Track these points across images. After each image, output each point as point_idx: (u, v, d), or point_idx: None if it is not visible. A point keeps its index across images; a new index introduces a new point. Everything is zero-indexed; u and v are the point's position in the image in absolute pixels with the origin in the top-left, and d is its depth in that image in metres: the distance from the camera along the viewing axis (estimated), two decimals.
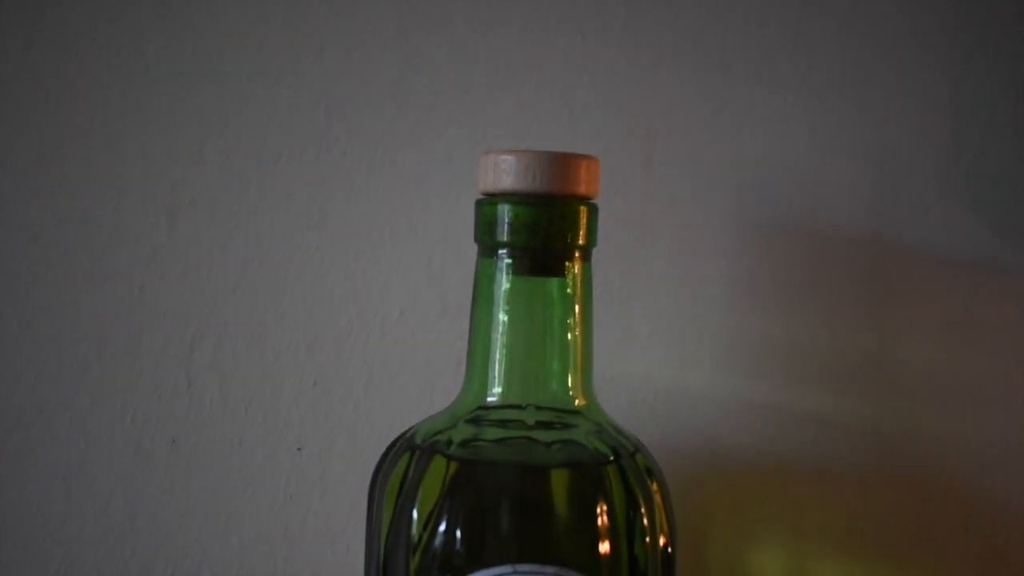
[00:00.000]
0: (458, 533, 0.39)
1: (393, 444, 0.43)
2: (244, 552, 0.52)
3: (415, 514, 0.40)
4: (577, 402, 0.43)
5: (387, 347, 0.52)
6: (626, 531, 0.40)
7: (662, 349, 0.51)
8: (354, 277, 0.52)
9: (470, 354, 0.43)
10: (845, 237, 0.51)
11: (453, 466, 0.40)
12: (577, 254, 0.42)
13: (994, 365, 0.51)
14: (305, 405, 0.52)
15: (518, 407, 0.42)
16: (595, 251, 0.43)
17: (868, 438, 0.51)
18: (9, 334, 0.52)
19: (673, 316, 0.51)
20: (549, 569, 0.38)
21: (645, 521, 0.41)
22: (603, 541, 0.39)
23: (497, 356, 0.42)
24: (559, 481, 0.40)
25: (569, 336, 0.42)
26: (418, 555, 0.40)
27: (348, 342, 0.52)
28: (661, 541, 0.42)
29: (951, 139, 0.51)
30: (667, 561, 0.42)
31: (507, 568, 0.38)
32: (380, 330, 0.52)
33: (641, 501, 0.41)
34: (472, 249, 0.43)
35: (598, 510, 0.40)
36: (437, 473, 0.40)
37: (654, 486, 0.42)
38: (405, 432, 0.43)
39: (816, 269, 0.51)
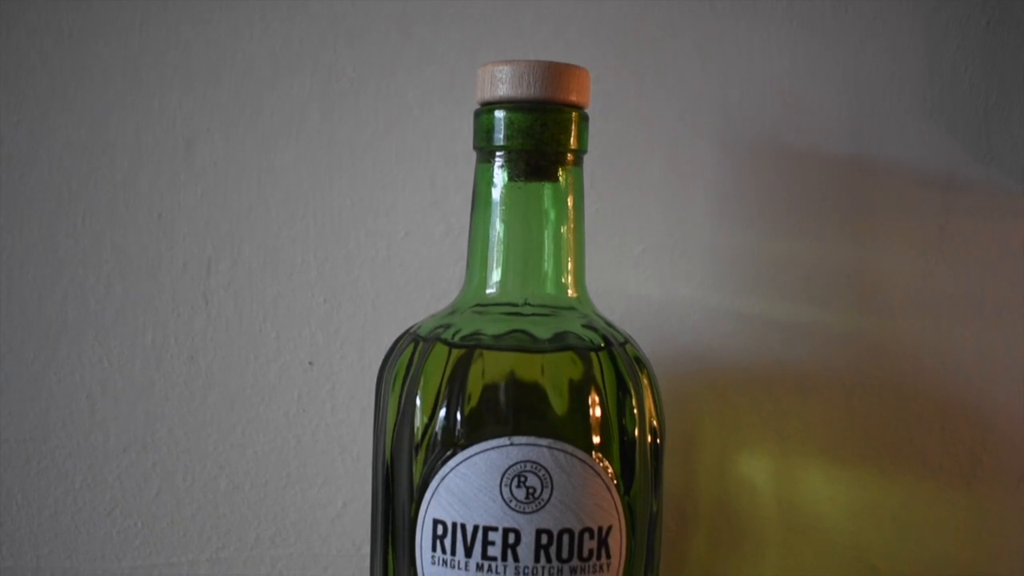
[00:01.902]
0: (459, 413, 0.42)
1: (399, 339, 0.46)
2: (259, 461, 0.55)
3: (419, 400, 0.43)
4: (570, 298, 0.45)
5: (393, 266, 0.54)
6: (616, 410, 0.43)
7: (653, 265, 0.54)
8: (362, 200, 0.54)
9: (469, 255, 0.46)
10: (825, 157, 0.53)
11: (454, 353, 0.43)
12: (569, 157, 0.44)
13: (968, 278, 0.53)
14: (316, 322, 0.55)
15: (514, 304, 0.45)
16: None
17: (849, 347, 0.53)
18: (36, 258, 0.54)
19: (663, 234, 0.54)
20: (544, 441, 0.41)
21: (634, 403, 0.43)
22: (594, 418, 0.42)
23: (494, 256, 0.45)
24: (553, 363, 0.43)
25: (562, 236, 0.45)
26: (422, 436, 0.42)
27: (356, 262, 0.55)
28: (650, 423, 0.44)
29: (925, 64, 0.54)
30: (656, 445, 0.45)
31: (505, 440, 0.41)
32: (387, 250, 0.54)
33: (630, 385, 0.43)
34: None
35: (590, 389, 0.42)
36: (439, 360, 0.43)
37: (644, 376, 0.45)
38: (410, 328, 0.46)
39: (798, 188, 0.53)
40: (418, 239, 0.54)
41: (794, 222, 0.53)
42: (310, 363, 0.55)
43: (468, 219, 0.46)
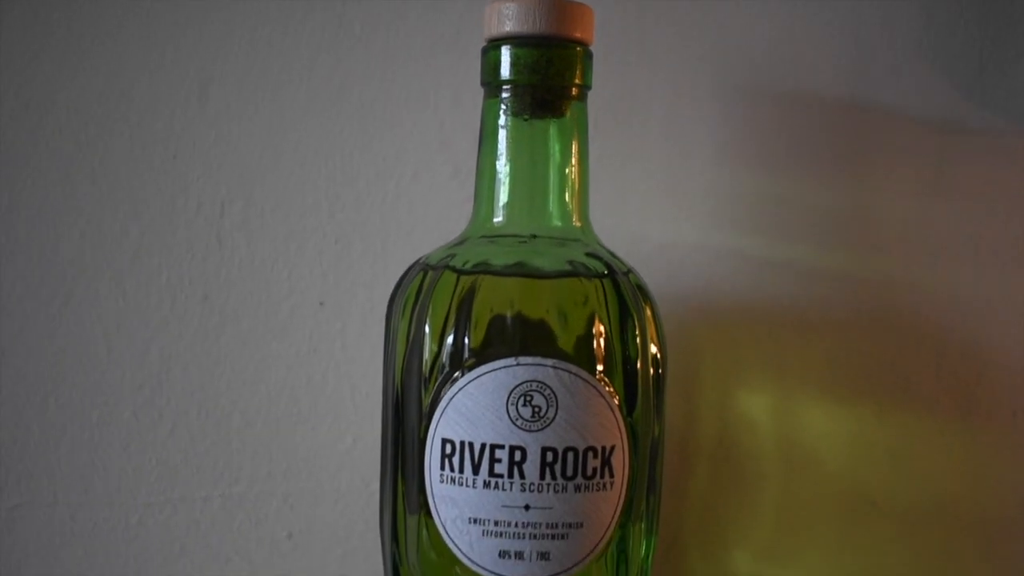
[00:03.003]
0: (466, 337, 0.43)
1: (408, 269, 0.47)
2: (271, 399, 0.56)
3: (428, 326, 0.44)
4: (575, 229, 0.47)
5: (402, 207, 0.56)
6: (619, 335, 0.44)
7: (656, 207, 0.55)
8: (371, 143, 0.56)
9: (477, 189, 0.47)
10: (823, 101, 0.54)
11: (462, 279, 0.44)
12: (574, 92, 0.46)
13: (963, 219, 0.55)
14: (327, 262, 0.56)
15: (521, 235, 0.46)
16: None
17: (847, 287, 0.55)
18: (53, 201, 0.56)
19: (666, 176, 0.55)
20: (549, 361, 0.42)
21: (637, 330, 0.45)
22: (598, 341, 0.44)
23: (501, 189, 0.46)
24: (558, 289, 0.44)
25: (567, 170, 0.46)
26: (431, 361, 0.44)
27: (366, 203, 0.56)
28: (652, 350, 0.45)
29: (922, 8, 0.55)
30: (658, 374, 0.46)
31: (511, 360, 0.42)
32: (395, 191, 0.56)
33: (633, 311, 0.45)
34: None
35: (594, 314, 0.44)
36: (447, 286, 0.44)
37: (647, 306, 0.46)
38: (419, 259, 0.47)
39: (796, 132, 0.55)
40: (426, 181, 0.55)
41: (792, 165, 0.55)
42: (321, 303, 0.56)
43: (475, 162, 0.47)
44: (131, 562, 0.57)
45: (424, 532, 0.44)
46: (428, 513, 0.44)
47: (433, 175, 0.55)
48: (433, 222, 0.55)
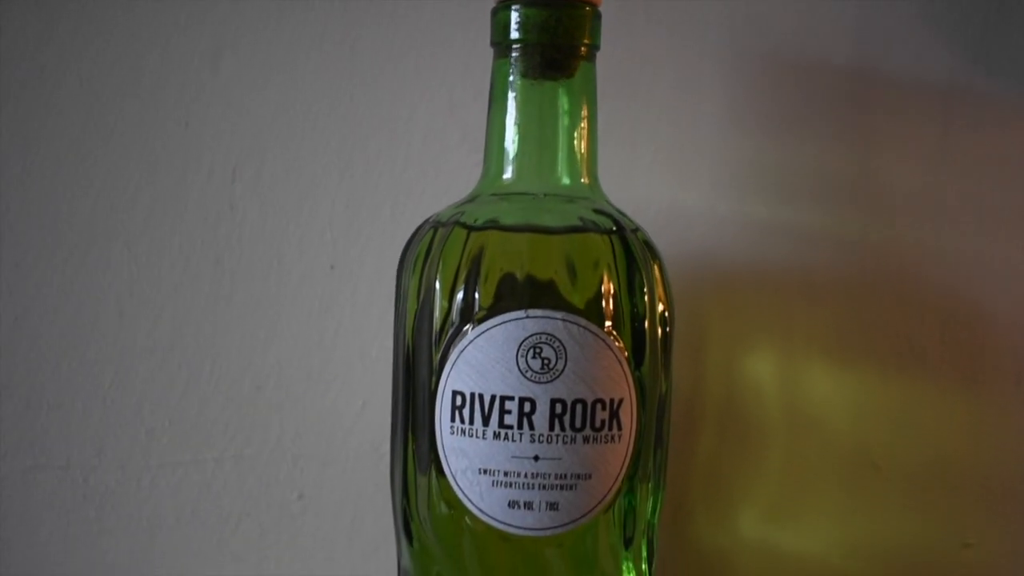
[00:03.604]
0: (477, 291, 0.44)
1: (419, 228, 0.48)
2: (282, 362, 0.57)
3: (439, 280, 0.45)
4: (584, 187, 0.47)
5: (411, 172, 0.56)
6: (627, 290, 0.45)
7: (663, 172, 0.56)
8: (381, 109, 0.56)
9: (487, 148, 0.48)
10: (829, 66, 0.55)
11: (472, 235, 0.45)
12: (583, 51, 0.46)
13: (968, 184, 0.55)
14: (337, 227, 0.57)
15: (530, 192, 0.47)
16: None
17: (852, 252, 0.55)
18: (67, 166, 0.56)
19: (673, 141, 0.55)
20: (558, 314, 0.43)
21: (645, 285, 0.45)
22: (607, 296, 0.44)
23: (510, 148, 0.47)
24: (567, 244, 0.45)
25: (576, 129, 0.47)
26: (443, 316, 0.44)
27: (376, 168, 0.56)
28: (659, 306, 0.46)
29: None
30: (666, 332, 0.46)
31: (521, 313, 0.43)
32: (405, 157, 0.56)
33: (641, 267, 0.45)
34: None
35: (602, 268, 0.44)
36: (457, 242, 0.45)
37: (655, 264, 0.46)
38: (429, 217, 0.48)
39: (804, 96, 0.55)
40: (435, 146, 0.56)
41: (799, 130, 0.55)
42: (331, 267, 0.56)
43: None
44: (143, 523, 0.58)
45: (434, 485, 0.44)
46: (439, 466, 0.44)
47: (442, 140, 0.56)
48: (442, 187, 0.56)
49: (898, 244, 0.55)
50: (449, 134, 0.56)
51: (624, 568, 0.46)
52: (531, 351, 0.43)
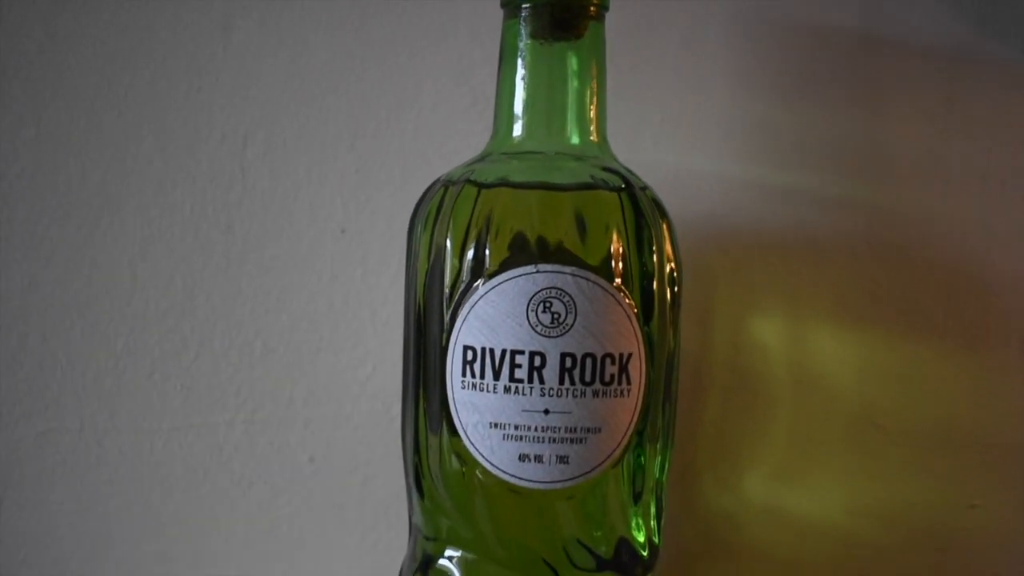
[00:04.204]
0: (487, 248, 0.44)
1: (429, 188, 0.48)
2: (293, 326, 0.58)
3: (449, 237, 0.45)
4: (594, 146, 0.48)
5: (421, 137, 0.57)
6: (636, 246, 0.45)
7: (671, 136, 0.56)
8: (391, 75, 0.57)
9: (496, 109, 0.48)
10: (835, 31, 0.55)
11: (483, 192, 0.45)
12: (592, 11, 0.47)
13: (973, 149, 0.56)
14: (348, 191, 0.57)
15: (540, 151, 0.47)
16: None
17: (858, 214, 0.56)
18: (79, 134, 0.57)
19: (681, 105, 0.56)
20: (568, 269, 0.44)
21: (653, 242, 0.46)
22: (616, 251, 0.45)
23: (520, 109, 0.47)
24: (577, 200, 0.45)
25: (585, 88, 0.47)
26: (454, 273, 0.45)
27: (386, 133, 0.57)
28: (668, 264, 0.47)
29: None
30: (674, 292, 0.47)
31: (531, 268, 0.43)
32: (415, 122, 0.57)
33: (650, 224, 0.46)
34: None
35: (611, 224, 0.45)
36: (468, 199, 0.45)
37: (663, 222, 0.47)
38: (439, 177, 0.48)
39: (809, 61, 0.56)
40: (445, 111, 0.57)
41: (806, 95, 0.56)
42: (342, 231, 0.57)
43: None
44: (156, 487, 0.58)
45: (446, 440, 0.45)
46: (450, 422, 0.45)
47: (452, 105, 0.56)
48: (452, 151, 0.56)
49: (903, 207, 0.56)
50: (459, 99, 0.57)
51: (633, 525, 0.47)
52: (541, 305, 0.43)
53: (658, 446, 0.47)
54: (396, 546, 0.57)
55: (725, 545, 0.56)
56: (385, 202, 0.57)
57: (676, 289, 0.47)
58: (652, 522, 0.48)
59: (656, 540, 0.48)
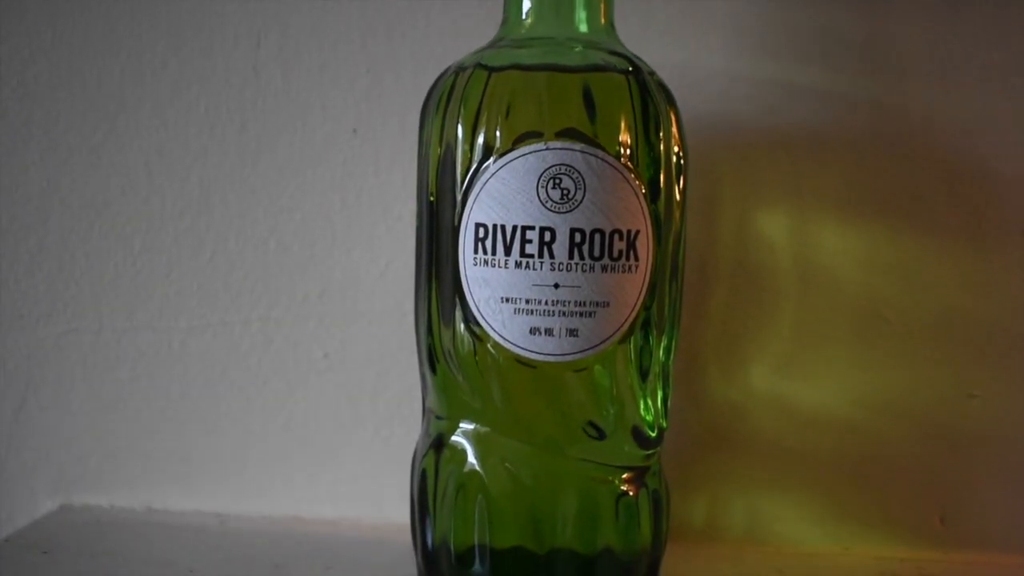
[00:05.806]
0: (498, 127, 0.45)
1: (440, 75, 0.49)
2: (306, 224, 0.59)
3: (461, 116, 0.46)
4: (603, 34, 0.48)
5: (432, 36, 0.57)
6: (643, 126, 0.46)
7: (677, 33, 0.57)
8: None
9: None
10: None
11: (493, 75, 0.46)
12: None
13: (976, 44, 0.56)
14: (360, 91, 0.58)
15: (549, 38, 0.48)
16: None
17: (862, 109, 0.56)
18: (95, 37, 0.58)
19: (687, 2, 0.57)
20: (577, 146, 0.45)
21: (660, 123, 0.47)
22: (624, 130, 0.46)
23: None
24: (585, 80, 0.46)
25: None
26: (465, 151, 0.46)
27: (397, 33, 0.58)
28: (675, 147, 0.48)
29: None
30: (681, 172, 0.48)
31: (541, 145, 0.44)
32: (425, 21, 0.57)
33: (657, 105, 0.47)
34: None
35: (619, 104, 0.46)
36: (479, 82, 0.46)
37: (670, 108, 0.48)
38: (450, 65, 0.49)
39: None
40: (455, 10, 0.57)
41: None
42: (354, 130, 0.58)
43: None
44: (174, 385, 0.60)
45: (459, 317, 0.46)
46: (462, 298, 0.46)
47: (462, 4, 0.57)
48: (463, 49, 0.57)
49: (907, 103, 0.56)
50: None
51: (641, 405, 0.48)
52: (551, 182, 0.44)
53: (664, 326, 0.48)
54: (409, 440, 0.58)
55: (730, 435, 0.57)
56: (396, 101, 0.58)
57: (683, 171, 0.48)
58: (659, 404, 0.49)
59: (663, 423, 0.49)
